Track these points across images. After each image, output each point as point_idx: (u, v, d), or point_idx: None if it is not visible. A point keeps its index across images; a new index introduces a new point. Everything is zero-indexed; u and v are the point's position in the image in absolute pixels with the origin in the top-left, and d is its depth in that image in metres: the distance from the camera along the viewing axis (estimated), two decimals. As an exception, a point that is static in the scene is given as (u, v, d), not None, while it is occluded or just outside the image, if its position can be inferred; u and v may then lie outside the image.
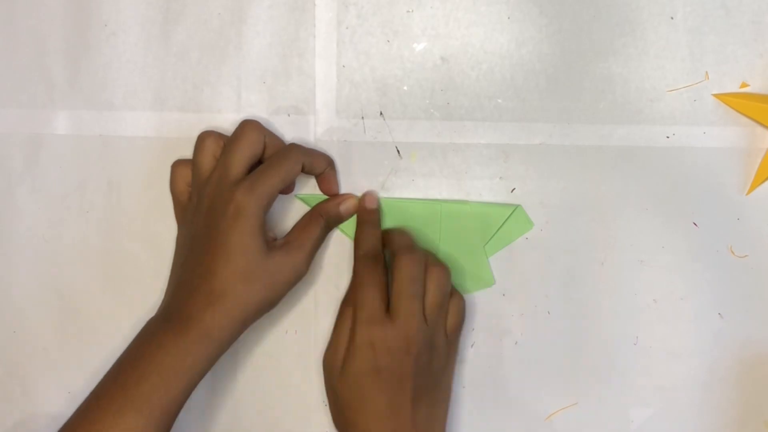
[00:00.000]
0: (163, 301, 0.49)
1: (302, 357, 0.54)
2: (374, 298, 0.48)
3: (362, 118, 0.53)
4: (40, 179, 0.55)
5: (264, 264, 0.47)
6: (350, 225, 0.53)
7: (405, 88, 0.53)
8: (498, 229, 0.52)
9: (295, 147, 0.51)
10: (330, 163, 0.52)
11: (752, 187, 0.52)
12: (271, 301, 0.48)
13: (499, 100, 0.53)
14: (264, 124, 0.51)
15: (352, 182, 0.53)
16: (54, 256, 0.55)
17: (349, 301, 0.50)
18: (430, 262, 0.50)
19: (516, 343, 0.53)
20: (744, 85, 0.52)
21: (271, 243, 0.48)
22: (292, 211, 0.53)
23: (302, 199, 0.53)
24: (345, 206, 0.52)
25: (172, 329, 0.46)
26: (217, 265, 0.46)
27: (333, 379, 0.49)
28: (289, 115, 0.54)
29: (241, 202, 0.46)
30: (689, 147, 0.52)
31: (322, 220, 0.51)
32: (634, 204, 0.52)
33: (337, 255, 0.53)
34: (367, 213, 0.52)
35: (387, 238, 0.52)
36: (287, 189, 0.53)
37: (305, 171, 0.50)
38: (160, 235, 0.54)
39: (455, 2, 0.53)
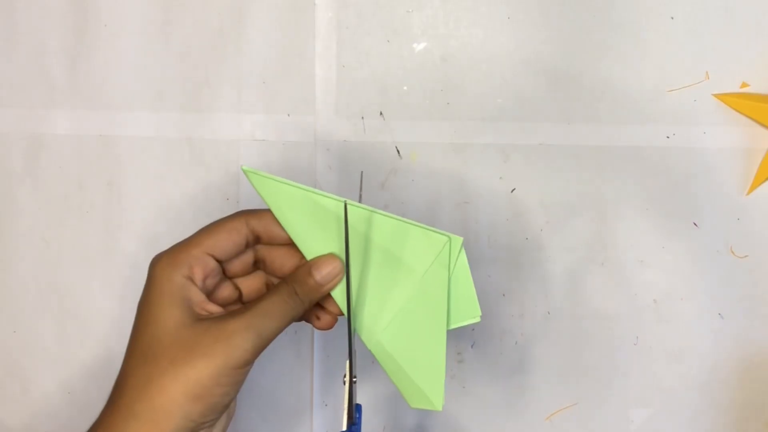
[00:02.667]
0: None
1: (302, 357, 0.54)
2: None
3: (362, 118, 0.53)
4: (40, 179, 0.55)
5: (183, 336, 0.38)
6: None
7: (405, 88, 0.53)
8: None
9: (236, 214, 0.41)
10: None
11: (752, 187, 0.52)
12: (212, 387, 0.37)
13: (499, 100, 0.53)
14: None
15: (352, 182, 0.53)
16: (54, 256, 0.55)
17: None
18: None
19: (516, 343, 0.53)
20: (744, 85, 0.52)
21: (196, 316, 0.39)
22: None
23: (248, 173, 0.41)
24: (323, 272, 0.40)
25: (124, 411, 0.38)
26: (133, 343, 0.39)
27: None
28: (289, 115, 0.54)
29: (158, 270, 0.39)
30: (689, 147, 0.52)
31: (297, 298, 0.40)
32: (634, 204, 0.52)
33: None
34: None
35: None
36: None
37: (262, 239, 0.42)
38: (160, 235, 0.54)
39: (455, 2, 0.53)
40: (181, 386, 0.37)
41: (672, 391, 0.52)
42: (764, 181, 0.51)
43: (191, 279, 0.39)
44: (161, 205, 0.54)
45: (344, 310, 0.41)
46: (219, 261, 0.41)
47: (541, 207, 0.53)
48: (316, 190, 0.40)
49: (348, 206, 0.40)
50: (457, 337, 0.53)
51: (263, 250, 0.43)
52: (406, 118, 0.53)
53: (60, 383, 0.55)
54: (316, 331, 0.54)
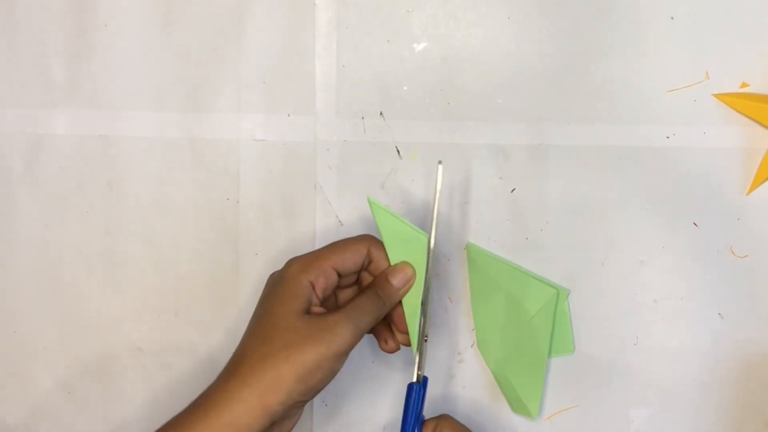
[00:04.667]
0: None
1: (302, 357, 0.54)
2: None
3: (362, 118, 0.53)
4: (40, 179, 0.55)
5: (298, 327, 0.44)
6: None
7: (405, 88, 0.53)
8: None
9: (362, 237, 0.48)
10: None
11: (752, 187, 0.52)
12: (312, 384, 0.44)
13: (499, 100, 0.53)
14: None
15: (352, 182, 0.53)
16: (54, 256, 0.55)
17: None
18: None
19: (516, 343, 0.53)
20: (744, 85, 0.52)
21: (314, 311, 0.45)
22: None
23: (372, 204, 0.48)
24: (397, 278, 0.48)
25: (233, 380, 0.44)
26: (248, 333, 0.45)
27: None
28: (289, 115, 0.54)
29: (286, 270, 0.46)
30: (689, 147, 0.52)
31: (380, 300, 0.47)
32: (634, 204, 0.52)
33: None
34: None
35: None
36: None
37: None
38: (160, 235, 0.54)
39: (455, 2, 0.53)
40: (290, 366, 0.43)
41: (672, 391, 0.52)
42: (764, 181, 0.51)
43: (313, 285, 0.45)
44: (161, 205, 0.54)
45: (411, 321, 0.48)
46: (339, 275, 0.47)
47: (541, 207, 0.53)
48: (414, 226, 0.47)
49: (476, 250, 0.52)
50: (457, 337, 0.53)
51: (366, 276, 0.49)
52: (406, 118, 0.53)
53: (60, 383, 0.55)
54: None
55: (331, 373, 0.44)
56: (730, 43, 0.52)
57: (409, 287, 0.48)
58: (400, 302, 0.48)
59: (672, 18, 0.52)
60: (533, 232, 0.53)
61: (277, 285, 0.46)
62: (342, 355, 0.44)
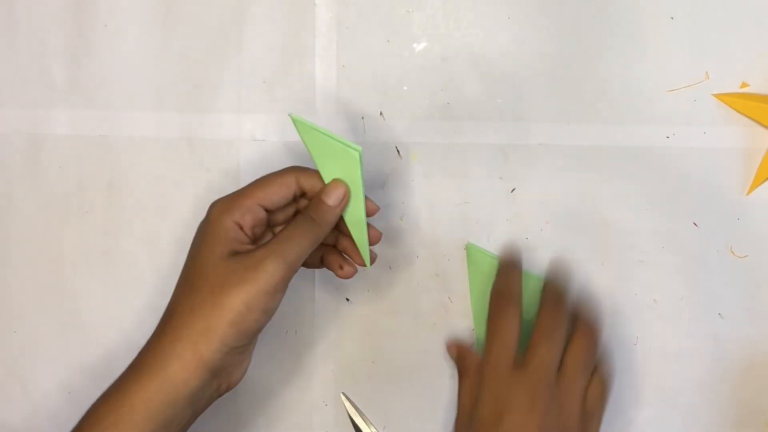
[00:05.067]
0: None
1: (302, 357, 0.54)
2: (503, 346, 0.45)
3: (362, 118, 0.53)
4: (40, 179, 0.55)
5: (222, 266, 0.42)
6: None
7: (405, 88, 0.53)
8: None
9: (285, 170, 0.47)
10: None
11: (752, 187, 0.52)
12: (249, 318, 0.42)
13: (499, 100, 0.53)
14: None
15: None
16: (54, 256, 0.55)
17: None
18: (582, 320, 0.47)
19: (516, 343, 0.53)
20: (744, 85, 0.52)
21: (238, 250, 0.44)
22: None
23: (295, 121, 0.45)
24: (332, 197, 0.45)
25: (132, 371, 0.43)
26: (179, 281, 0.44)
27: (461, 422, 0.46)
28: (289, 115, 0.54)
29: (211, 211, 0.44)
30: (689, 147, 0.52)
31: (314, 223, 0.45)
32: (634, 204, 0.52)
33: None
34: (510, 252, 0.50)
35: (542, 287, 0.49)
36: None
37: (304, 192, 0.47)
38: (160, 235, 0.54)
39: (455, 2, 0.53)
40: (219, 312, 0.41)
41: (672, 391, 0.52)
42: (764, 181, 0.51)
43: (240, 225, 0.44)
44: (161, 205, 0.54)
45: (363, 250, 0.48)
46: (267, 211, 0.45)
47: (541, 207, 0.53)
48: (343, 140, 0.45)
49: (475, 250, 0.52)
50: (457, 336, 0.53)
51: (304, 203, 0.47)
52: (406, 118, 0.53)
53: (60, 383, 0.55)
54: (316, 331, 0.54)
55: (264, 313, 0.42)
56: (730, 43, 0.52)
57: (344, 204, 0.45)
58: (343, 229, 0.47)
59: (672, 18, 0.52)
60: (533, 232, 0.53)
61: (200, 231, 0.44)
62: (273, 293, 0.42)
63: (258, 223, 0.45)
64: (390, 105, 0.53)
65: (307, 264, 0.49)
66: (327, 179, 0.46)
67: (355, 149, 0.44)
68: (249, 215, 0.44)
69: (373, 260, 0.49)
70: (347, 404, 0.53)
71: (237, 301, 0.41)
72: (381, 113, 0.53)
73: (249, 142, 0.54)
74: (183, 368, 0.41)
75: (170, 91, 0.54)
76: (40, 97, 0.55)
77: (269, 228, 0.47)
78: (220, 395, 0.45)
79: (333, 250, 0.49)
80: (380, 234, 0.48)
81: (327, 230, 0.45)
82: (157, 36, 0.54)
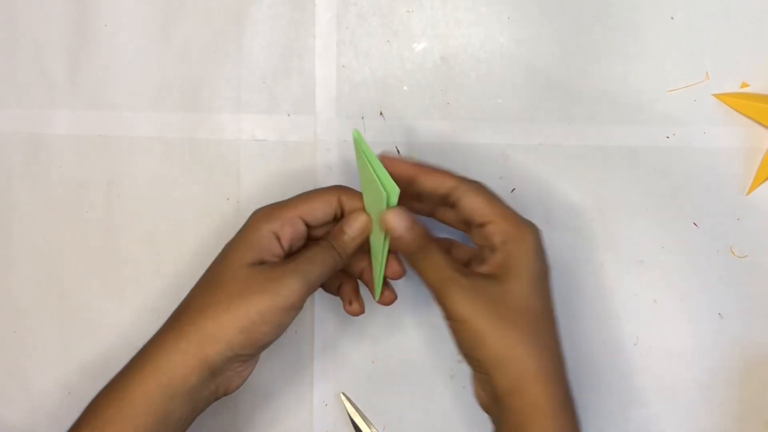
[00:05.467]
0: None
1: (302, 357, 0.54)
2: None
3: (362, 118, 0.53)
4: (40, 179, 0.55)
5: (245, 276, 0.43)
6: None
7: (405, 88, 0.53)
8: None
9: (331, 188, 0.46)
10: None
11: (752, 187, 0.52)
12: (258, 333, 0.42)
13: (499, 100, 0.53)
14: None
15: (352, 182, 0.53)
16: (54, 256, 0.55)
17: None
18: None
19: (516, 343, 0.53)
20: (744, 85, 0.52)
21: (267, 262, 0.44)
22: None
23: (357, 141, 0.44)
24: (352, 228, 0.45)
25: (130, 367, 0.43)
26: (201, 282, 0.45)
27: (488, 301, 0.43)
28: (289, 115, 0.54)
29: (249, 218, 0.45)
30: (689, 147, 0.52)
31: (334, 250, 0.45)
32: (634, 204, 0.52)
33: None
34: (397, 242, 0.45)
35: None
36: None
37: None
38: (160, 235, 0.54)
39: (455, 2, 0.53)
40: (231, 316, 0.41)
41: (672, 391, 0.52)
42: (764, 181, 0.51)
43: (278, 235, 0.44)
44: (161, 205, 0.54)
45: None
46: (308, 226, 0.45)
47: (541, 207, 0.53)
48: (384, 175, 0.43)
49: (360, 140, 0.45)
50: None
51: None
52: (406, 118, 0.53)
53: (60, 383, 0.55)
54: (316, 331, 0.54)
55: (277, 327, 0.43)
56: (730, 43, 0.52)
57: (363, 237, 0.45)
58: (366, 257, 0.47)
59: (672, 18, 0.52)
60: (533, 232, 0.53)
61: (237, 235, 0.45)
62: (289, 309, 0.42)
63: (297, 236, 0.45)
64: (390, 105, 0.53)
65: (325, 288, 0.49)
66: (366, 205, 0.46)
67: (388, 191, 0.43)
68: (289, 227, 0.44)
69: (392, 300, 0.48)
70: (347, 404, 0.53)
71: (252, 310, 0.41)
72: (381, 113, 0.53)
73: (249, 142, 0.54)
74: (184, 364, 0.41)
75: (170, 91, 0.54)
76: (40, 97, 0.55)
77: (306, 243, 0.47)
78: (216, 399, 0.45)
79: (352, 281, 0.48)
80: (403, 272, 0.47)
81: (345, 259, 0.45)
82: (157, 36, 0.54)
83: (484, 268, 0.44)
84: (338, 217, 0.46)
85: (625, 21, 0.52)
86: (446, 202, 0.45)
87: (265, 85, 0.54)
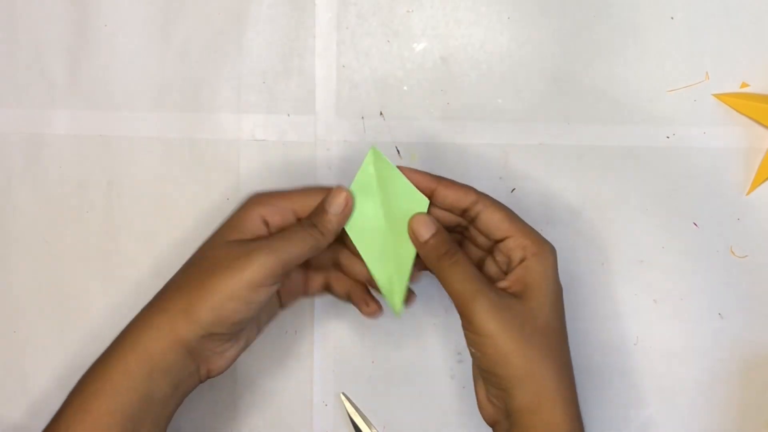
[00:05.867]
0: None
1: (302, 357, 0.54)
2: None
3: (362, 118, 0.53)
4: (40, 179, 0.55)
5: (225, 249, 0.43)
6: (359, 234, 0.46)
7: (405, 88, 0.53)
8: None
9: (338, 191, 0.45)
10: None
11: (752, 187, 0.52)
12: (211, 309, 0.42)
13: (499, 100, 0.53)
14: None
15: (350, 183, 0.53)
16: (54, 256, 0.55)
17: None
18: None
19: (516, 343, 0.53)
20: (744, 85, 0.52)
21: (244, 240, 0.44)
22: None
23: (377, 155, 0.45)
24: (332, 205, 0.44)
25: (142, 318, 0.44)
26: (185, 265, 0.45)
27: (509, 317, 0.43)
28: (289, 115, 0.54)
29: (244, 199, 0.45)
30: (689, 147, 0.52)
31: (316, 229, 0.44)
32: (634, 204, 0.52)
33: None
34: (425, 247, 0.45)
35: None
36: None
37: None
38: (160, 235, 0.54)
39: (455, 2, 0.53)
40: (201, 294, 0.42)
41: (672, 391, 0.52)
42: (764, 181, 0.51)
43: (266, 220, 0.44)
44: (161, 205, 0.54)
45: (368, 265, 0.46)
46: (299, 219, 0.45)
47: (541, 207, 0.53)
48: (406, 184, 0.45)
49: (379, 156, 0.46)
50: (457, 336, 0.53)
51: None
52: (406, 118, 0.53)
53: (60, 382, 0.55)
54: (316, 331, 0.54)
55: (247, 305, 0.42)
56: (730, 43, 0.52)
57: (346, 213, 0.45)
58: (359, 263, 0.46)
59: (672, 18, 0.52)
60: (533, 232, 0.53)
61: (229, 215, 0.45)
62: (257, 286, 0.42)
63: (284, 226, 0.45)
64: (390, 105, 0.53)
65: (336, 294, 0.49)
66: (388, 218, 0.45)
67: (417, 200, 0.44)
68: (279, 216, 0.44)
69: (412, 301, 0.48)
70: (347, 404, 0.53)
71: (220, 287, 0.41)
72: (381, 113, 0.53)
73: (249, 142, 0.54)
74: (159, 340, 0.42)
75: (170, 91, 0.54)
76: (40, 97, 0.55)
77: None
78: (201, 380, 0.45)
79: (359, 285, 0.48)
80: (413, 296, 0.48)
81: (329, 238, 0.44)
82: (157, 36, 0.54)
83: (503, 284, 0.44)
84: None
85: (625, 21, 0.52)
86: (465, 216, 0.45)
87: (265, 85, 0.54)
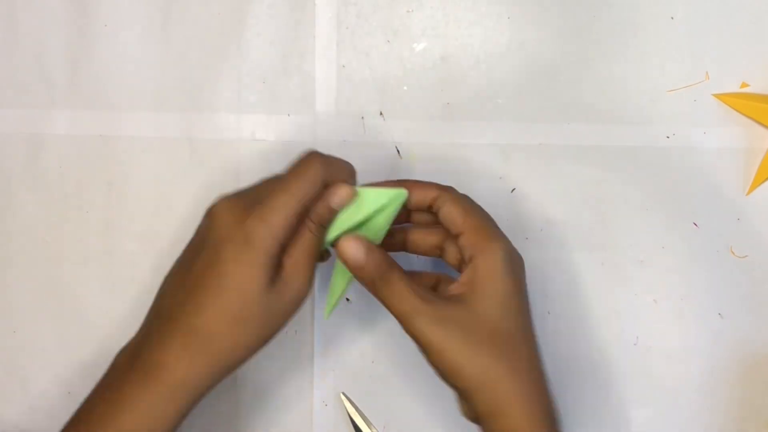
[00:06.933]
0: (135, 335, 0.44)
1: (302, 357, 0.54)
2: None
3: (362, 118, 0.53)
4: (40, 179, 0.55)
5: (264, 302, 0.40)
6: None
7: (405, 88, 0.53)
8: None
9: (312, 161, 0.43)
10: (352, 173, 0.45)
11: (752, 187, 0.52)
12: (266, 340, 0.42)
13: (499, 100, 0.53)
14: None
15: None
16: (54, 256, 0.55)
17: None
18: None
19: (516, 343, 0.53)
20: (744, 85, 0.52)
21: (274, 277, 0.41)
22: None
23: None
24: (335, 199, 0.43)
25: (137, 381, 0.40)
26: (206, 299, 0.40)
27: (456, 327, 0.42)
28: (289, 115, 0.54)
29: (251, 230, 0.40)
30: (689, 147, 0.52)
31: (314, 225, 0.43)
32: (634, 204, 0.52)
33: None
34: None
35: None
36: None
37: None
38: (160, 235, 0.54)
39: (455, 2, 0.53)
40: (205, 362, 0.40)
41: (672, 391, 0.52)
42: (764, 181, 0.51)
43: (278, 241, 0.42)
44: (161, 205, 0.54)
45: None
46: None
47: (541, 207, 0.53)
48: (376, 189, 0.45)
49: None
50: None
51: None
52: (406, 118, 0.53)
53: (60, 383, 0.55)
54: (316, 331, 0.54)
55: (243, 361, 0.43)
56: (730, 43, 0.52)
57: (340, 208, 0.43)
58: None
59: (672, 18, 0.52)
60: (533, 232, 0.53)
61: (243, 247, 0.41)
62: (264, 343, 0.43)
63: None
64: (390, 105, 0.53)
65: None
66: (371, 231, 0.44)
67: (395, 193, 0.44)
68: (290, 230, 0.42)
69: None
70: (347, 404, 0.53)
71: (230, 356, 0.42)
72: (381, 113, 0.53)
73: (249, 142, 0.54)
74: (156, 419, 0.41)
75: (170, 91, 0.54)
76: (40, 97, 0.55)
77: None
78: None
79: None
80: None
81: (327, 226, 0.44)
82: (157, 36, 0.54)
83: (454, 287, 0.43)
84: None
85: (625, 21, 0.52)
86: (432, 211, 0.45)
87: (265, 85, 0.54)
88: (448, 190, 0.45)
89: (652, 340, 0.52)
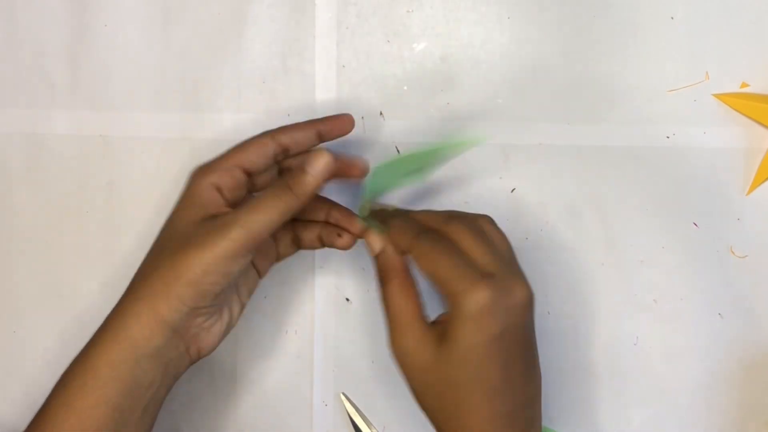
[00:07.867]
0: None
1: (302, 357, 0.54)
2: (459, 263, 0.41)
3: (362, 118, 0.53)
4: (40, 179, 0.55)
5: (201, 230, 0.42)
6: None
7: (405, 88, 0.53)
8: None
9: (271, 131, 0.46)
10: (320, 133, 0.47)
11: (752, 187, 0.52)
12: (210, 265, 0.42)
13: (499, 100, 0.53)
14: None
15: (351, 183, 0.53)
16: (54, 256, 0.55)
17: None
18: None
19: (516, 343, 0.53)
20: (744, 85, 0.52)
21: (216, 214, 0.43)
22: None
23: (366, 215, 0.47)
24: (314, 167, 0.43)
25: (100, 338, 0.43)
26: (154, 244, 0.45)
27: (424, 363, 0.42)
28: (289, 115, 0.54)
29: (192, 178, 0.45)
30: (689, 147, 0.52)
31: (290, 193, 0.43)
32: (634, 204, 0.52)
33: (337, 253, 0.53)
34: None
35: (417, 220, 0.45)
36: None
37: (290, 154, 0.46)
38: (160, 235, 0.54)
39: (455, 2, 0.53)
40: (175, 272, 0.41)
41: (672, 391, 0.52)
42: (764, 181, 0.51)
43: (218, 188, 0.44)
44: (161, 205, 0.54)
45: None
46: (249, 174, 0.45)
47: (541, 207, 0.53)
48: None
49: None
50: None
51: (289, 162, 0.47)
52: (406, 118, 0.53)
53: (60, 383, 0.55)
54: (316, 331, 0.54)
55: (224, 276, 0.42)
56: (730, 43, 0.52)
57: (326, 177, 0.43)
58: (322, 200, 0.47)
59: (672, 18, 0.52)
60: (533, 232, 0.53)
61: (180, 195, 0.45)
62: (233, 257, 0.41)
63: (237, 186, 0.45)
64: (390, 105, 0.53)
65: (306, 246, 0.49)
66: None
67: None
68: (228, 177, 0.44)
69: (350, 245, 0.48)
70: (347, 404, 0.53)
71: (194, 263, 0.41)
72: (381, 113, 0.53)
73: (249, 142, 0.54)
74: (140, 326, 0.42)
75: (170, 91, 0.54)
76: (40, 97, 0.55)
77: (250, 193, 0.47)
78: (192, 361, 0.44)
79: (327, 225, 0.48)
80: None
81: (304, 201, 0.43)
82: (157, 36, 0.54)
83: (444, 315, 0.44)
84: (278, 158, 0.46)
85: (625, 21, 0.52)
86: None
87: (265, 85, 0.54)
88: (451, 221, 0.43)
89: (652, 340, 0.52)
